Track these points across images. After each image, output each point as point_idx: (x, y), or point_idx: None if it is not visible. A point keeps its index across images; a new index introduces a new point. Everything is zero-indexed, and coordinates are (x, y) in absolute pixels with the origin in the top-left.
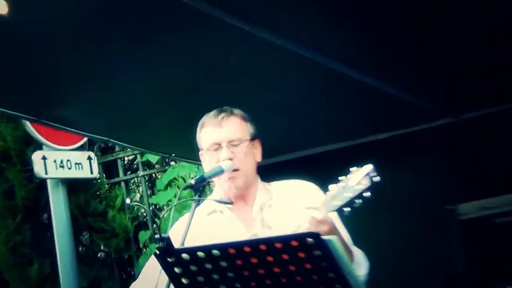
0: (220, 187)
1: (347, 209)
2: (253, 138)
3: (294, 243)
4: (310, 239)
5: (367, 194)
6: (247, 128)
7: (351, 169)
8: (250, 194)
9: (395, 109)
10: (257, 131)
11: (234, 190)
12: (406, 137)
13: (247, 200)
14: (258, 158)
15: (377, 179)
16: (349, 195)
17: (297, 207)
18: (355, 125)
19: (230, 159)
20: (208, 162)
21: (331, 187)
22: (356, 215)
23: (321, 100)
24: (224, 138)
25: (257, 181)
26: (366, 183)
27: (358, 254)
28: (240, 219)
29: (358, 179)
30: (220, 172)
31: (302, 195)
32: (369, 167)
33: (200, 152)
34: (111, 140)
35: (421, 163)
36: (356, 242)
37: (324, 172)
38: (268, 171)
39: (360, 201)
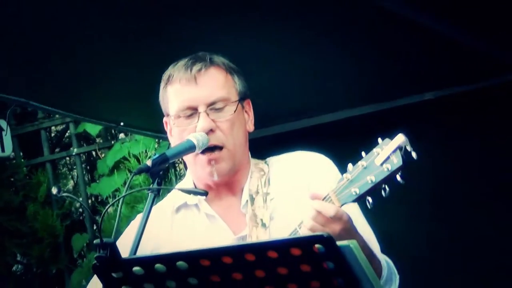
0: (194, 172)
1: (369, 199)
2: (242, 98)
3: (296, 251)
4: (318, 246)
5: (399, 177)
6: (233, 84)
7: (379, 140)
8: (238, 179)
9: (453, 58)
10: (247, 88)
11: (216, 177)
12: (463, 96)
13: (233, 189)
14: (251, 126)
15: (413, 155)
16: (372, 178)
17: (304, 193)
18: (393, 81)
19: (211, 130)
20: (178, 135)
21: (349, 167)
22: (384, 208)
23: (344, 48)
24: (201, 99)
25: (248, 161)
26: (397, 162)
27: (387, 266)
28: (223, 216)
29: (386, 155)
30: (189, 149)
31: (309, 174)
32: (400, 139)
33: (164, 119)
34: (31, 102)
35: (481, 130)
36: (383, 246)
37: (342, 145)
38: (264, 145)
39: (388, 188)
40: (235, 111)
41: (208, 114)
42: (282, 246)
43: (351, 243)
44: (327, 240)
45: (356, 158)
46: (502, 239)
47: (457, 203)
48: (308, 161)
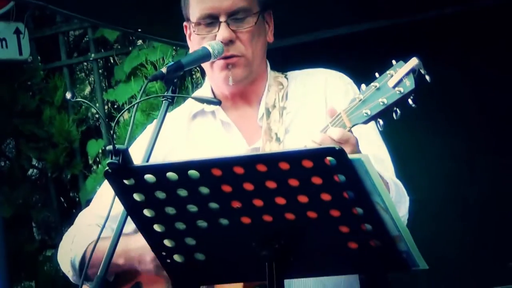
0: (211, 78)
1: (380, 121)
2: (263, 9)
3: (307, 163)
4: (330, 158)
5: (411, 100)
6: None
7: (393, 62)
8: (255, 91)
9: None
10: None
11: (231, 84)
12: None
13: (250, 100)
14: (270, 37)
15: (427, 79)
16: (384, 100)
17: (321, 110)
18: None
19: (231, 40)
20: (197, 41)
21: (362, 88)
22: (396, 129)
23: None
24: (223, 8)
25: (266, 72)
26: (409, 85)
27: (397, 188)
28: (239, 125)
29: (399, 77)
30: (204, 57)
31: (328, 92)
32: (414, 61)
33: (184, 23)
34: (50, 5)
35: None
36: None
37: (359, 57)
38: (284, 56)
39: (399, 111)
40: (256, 22)
41: (228, 24)
42: (294, 157)
43: (363, 156)
44: (339, 153)
45: (371, 71)
46: None
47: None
48: (328, 79)
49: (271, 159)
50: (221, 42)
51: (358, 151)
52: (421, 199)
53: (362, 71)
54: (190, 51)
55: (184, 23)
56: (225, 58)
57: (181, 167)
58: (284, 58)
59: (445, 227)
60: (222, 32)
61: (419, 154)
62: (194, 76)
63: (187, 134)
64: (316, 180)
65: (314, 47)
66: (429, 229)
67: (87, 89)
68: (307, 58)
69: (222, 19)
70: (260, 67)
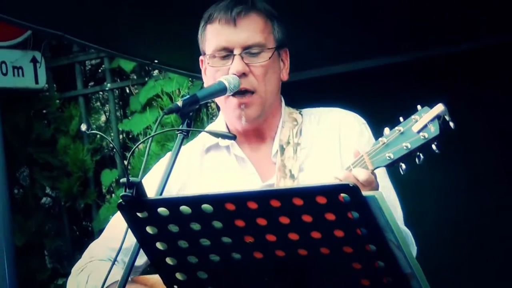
0: (225, 115)
1: (403, 165)
2: (280, 46)
3: (321, 199)
4: (344, 195)
5: (435, 146)
6: (272, 31)
7: (418, 107)
8: (269, 127)
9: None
10: (286, 37)
11: (244, 122)
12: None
13: (264, 136)
14: (285, 75)
15: (451, 125)
16: (408, 145)
17: (335, 148)
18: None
19: (244, 73)
20: (212, 74)
21: (385, 131)
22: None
23: None
24: (238, 41)
25: (281, 108)
26: (434, 131)
27: (407, 237)
28: (253, 161)
29: (424, 123)
30: (220, 91)
31: (342, 131)
32: (439, 108)
33: (200, 58)
34: (67, 35)
35: None
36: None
37: (374, 93)
38: (299, 90)
39: (422, 156)
40: (270, 58)
41: (242, 58)
42: (308, 193)
43: (376, 193)
44: (353, 190)
45: (387, 107)
46: None
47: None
48: (342, 118)
49: (285, 195)
50: (235, 74)
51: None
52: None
53: (376, 108)
54: (205, 85)
55: (200, 58)
56: (239, 93)
57: (195, 201)
58: (299, 93)
59: (455, 260)
60: (236, 64)
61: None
62: (209, 108)
63: (200, 168)
64: (330, 217)
65: (328, 82)
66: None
67: (102, 119)
68: (321, 93)
69: (236, 52)
70: (274, 104)
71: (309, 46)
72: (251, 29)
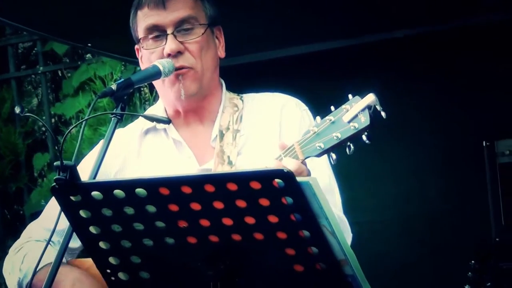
0: (163, 95)
1: (333, 155)
2: (212, 24)
3: (255, 185)
4: (278, 180)
5: (365, 136)
6: (203, 8)
7: (349, 96)
8: (208, 108)
9: None
10: (218, 15)
11: (183, 98)
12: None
13: (203, 118)
14: (221, 52)
15: (383, 115)
16: (338, 135)
17: (275, 135)
18: (364, 17)
19: (179, 52)
20: (147, 57)
21: (317, 120)
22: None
23: None
24: (169, 20)
25: (221, 90)
26: (364, 121)
27: (342, 224)
28: (190, 144)
29: (354, 113)
30: (154, 74)
31: (283, 118)
32: (370, 98)
33: (136, 47)
34: None
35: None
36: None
37: (312, 77)
38: (238, 73)
39: (352, 146)
40: (203, 34)
41: (176, 36)
42: (242, 178)
43: (311, 179)
44: (287, 175)
45: (324, 91)
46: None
47: (423, 159)
48: (284, 105)
49: (219, 180)
50: (170, 54)
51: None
52: (367, 220)
53: (316, 93)
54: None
55: (136, 46)
56: (175, 70)
57: (129, 185)
58: (239, 77)
59: (390, 247)
60: (170, 44)
61: (366, 175)
62: (142, 93)
63: (138, 150)
64: (264, 202)
65: (269, 66)
66: (374, 251)
67: (35, 102)
68: (262, 77)
69: (169, 31)
70: (212, 82)
71: (249, 29)
72: (180, 7)
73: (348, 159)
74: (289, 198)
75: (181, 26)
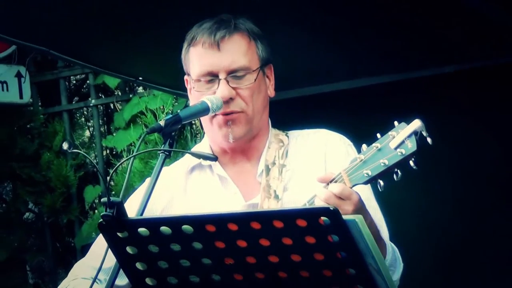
0: (210, 134)
1: (381, 182)
2: (264, 64)
3: (301, 222)
4: (324, 218)
5: (412, 162)
6: (256, 51)
7: (395, 123)
8: (255, 147)
9: (476, 30)
10: (270, 53)
11: (231, 139)
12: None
13: (250, 155)
14: (271, 92)
15: (429, 141)
16: (385, 162)
17: (320, 170)
18: (412, 52)
19: (231, 98)
20: (196, 98)
21: (363, 148)
22: (394, 189)
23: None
24: (222, 66)
25: (268, 129)
26: (411, 147)
27: (392, 251)
28: (236, 180)
29: (401, 139)
30: (202, 111)
31: (328, 153)
32: (416, 123)
33: (185, 77)
34: (52, 51)
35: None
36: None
37: (359, 112)
38: (283, 108)
39: (400, 172)
40: (255, 79)
41: (228, 82)
42: (288, 216)
43: (357, 217)
44: (333, 213)
45: (371, 126)
46: None
47: (474, 196)
48: (328, 140)
49: (266, 217)
50: (224, 99)
51: (362, 208)
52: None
53: (360, 127)
54: (191, 104)
55: (185, 77)
56: (225, 114)
57: (175, 222)
58: (282, 112)
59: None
60: (222, 90)
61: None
62: (193, 126)
63: (185, 188)
64: (310, 240)
65: (315, 100)
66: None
67: (86, 134)
68: (307, 113)
69: (221, 76)
70: (261, 122)
71: (295, 65)
72: (235, 52)
73: (391, 189)
74: (335, 236)
75: (234, 73)
